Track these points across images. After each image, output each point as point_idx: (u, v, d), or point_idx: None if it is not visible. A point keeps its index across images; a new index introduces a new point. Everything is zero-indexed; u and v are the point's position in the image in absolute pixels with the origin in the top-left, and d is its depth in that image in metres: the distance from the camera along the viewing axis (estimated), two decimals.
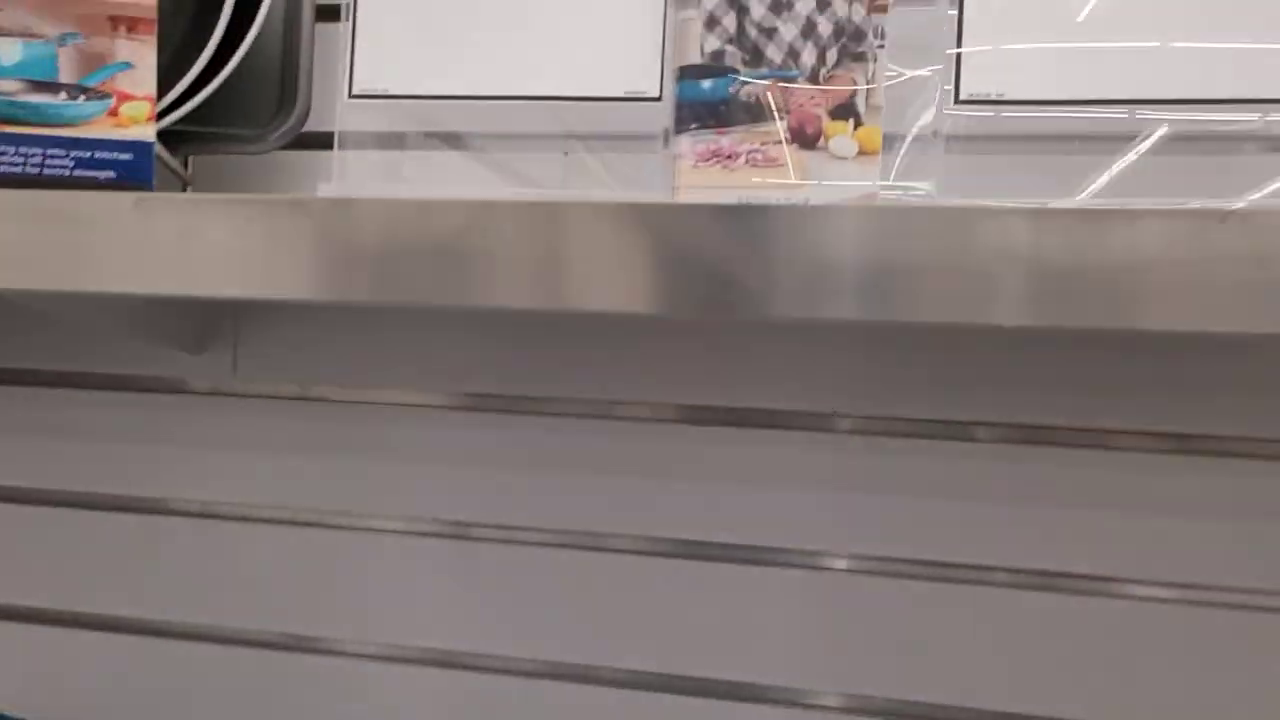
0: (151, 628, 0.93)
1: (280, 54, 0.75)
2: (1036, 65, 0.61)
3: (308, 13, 0.75)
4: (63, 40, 0.62)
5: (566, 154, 0.77)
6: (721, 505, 0.84)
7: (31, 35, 0.62)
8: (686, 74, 0.63)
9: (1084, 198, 0.61)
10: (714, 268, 0.52)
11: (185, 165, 0.79)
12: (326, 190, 0.64)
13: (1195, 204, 0.48)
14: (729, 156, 0.63)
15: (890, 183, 0.61)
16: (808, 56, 0.62)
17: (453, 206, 0.54)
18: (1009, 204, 0.49)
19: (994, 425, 0.79)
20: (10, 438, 0.95)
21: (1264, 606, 0.76)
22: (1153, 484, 0.77)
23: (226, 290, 0.57)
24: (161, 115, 0.70)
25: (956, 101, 0.62)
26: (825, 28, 0.62)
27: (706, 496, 0.84)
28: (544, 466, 0.86)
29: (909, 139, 0.63)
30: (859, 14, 0.61)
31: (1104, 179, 0.62)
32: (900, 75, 0.62)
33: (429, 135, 0.71)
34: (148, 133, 0.63)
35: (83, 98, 0.62)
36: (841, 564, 0.82)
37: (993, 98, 0.62)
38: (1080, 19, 0.60)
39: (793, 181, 0.62)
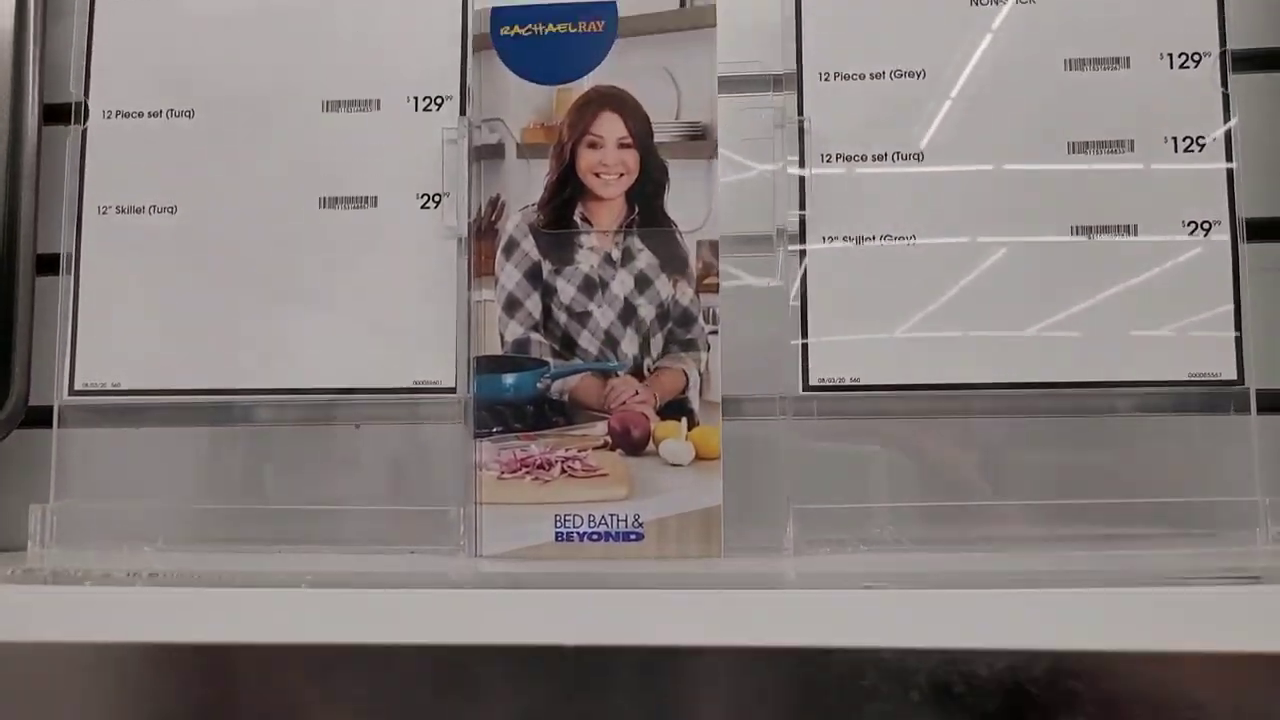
0: None
1: None
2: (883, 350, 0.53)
3: (25, 279, 0.61)
4: None
5: (358, 426, 0.64)
6: None
7: None
8: (484, 367, 0.52)
9: None
10: None
11: None
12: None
13: None
14: (541, 466, 0.52)
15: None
16: (629, 345, 0.52)
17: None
18: None
19: None
20: None
21: None
22: None
23: None
24: None
25: (806, 387, 0.53)
26: (647, 311, 0.52)
27: None
28: None
29: None
30: (686, 295, 0.52)
31: None
32: None
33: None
34: None
35: None
36: None
37: (846, 382, 0.53)
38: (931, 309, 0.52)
39: (620, 495, 0.51)
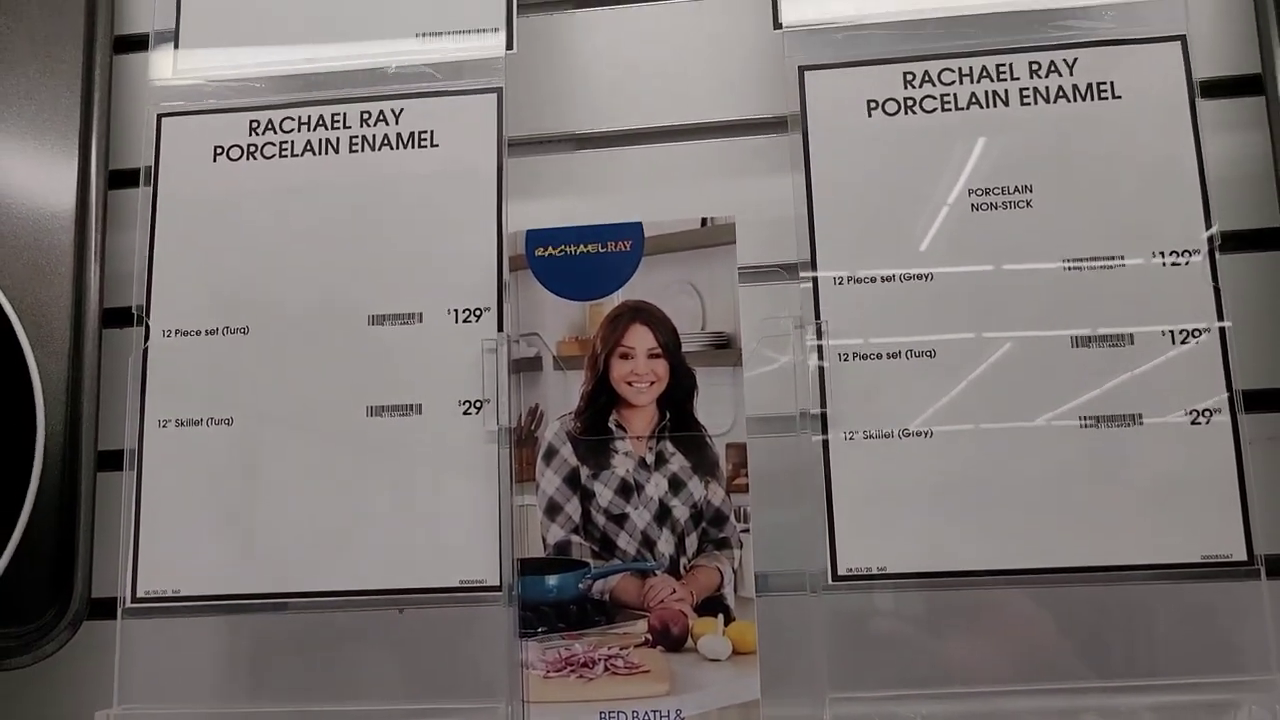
0: None
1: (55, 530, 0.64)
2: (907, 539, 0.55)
3: (87, 478, 0.65)
4: None
5: (401, 611, 0.67)
6: None
7: None
8: (528, 569, 0.55)
9: None
10: None
11: None
12: None
13: None
14: (585, 665, 0.54)
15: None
16: (665, 545, 0.55)
17: None
18: None
19: None
20: None
21: None
22: None
23: None
24: None
25: (835, 577, 0.55)
26: (682, 512, 0.55)
27: None
28: None
29: None
30: (717, 495, 0.55)
31: None
32: None
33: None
34: None
35: None
36: None
37: (873, 572, 0.55)
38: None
39: (661, 691, 0.53)
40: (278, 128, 0.63)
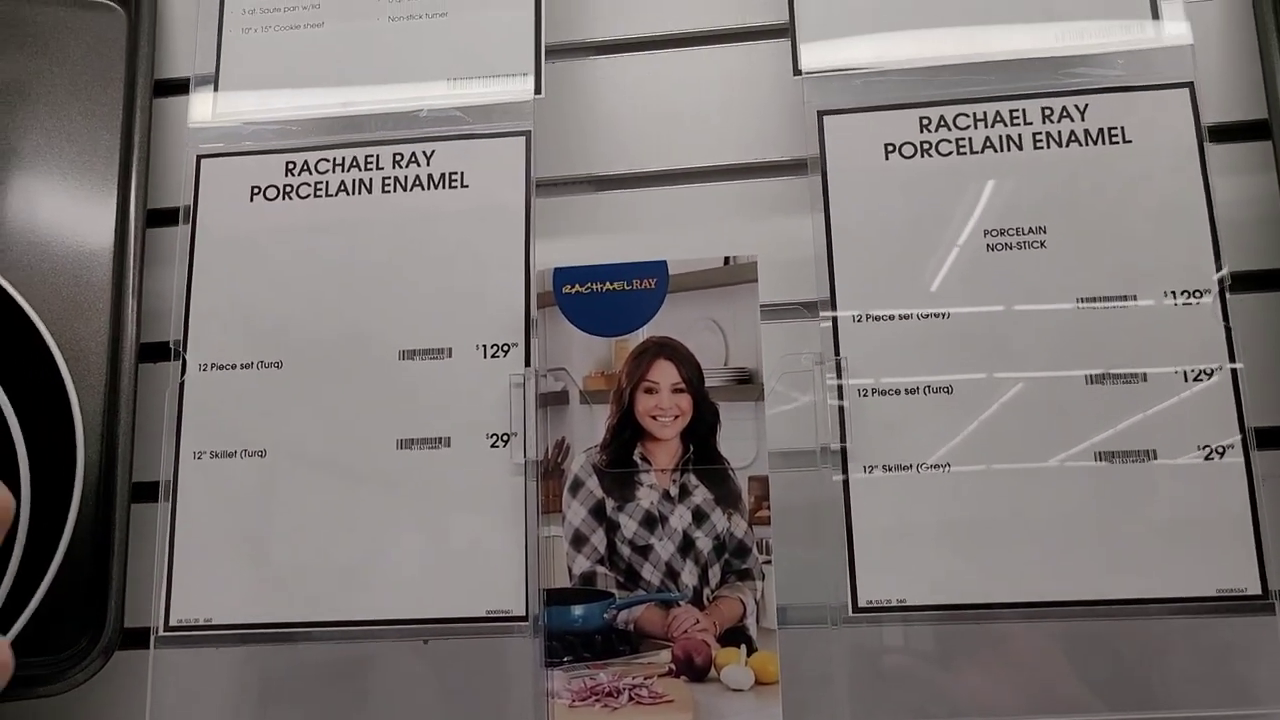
0: None
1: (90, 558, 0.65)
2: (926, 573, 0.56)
3: (121, 508, 0.66)
4: None
5: (426, 642, 0.68)
6: None
7: None
8: (554, 599, 0.56)
9: None
10: None
11: None
12: None
13: None
14: (610, 694, 0.55)
15: None
16: (689, 576, 0.56)
17: None
18: None
19: None
20: None
21: None
22: None
23: None
24: None
25: (855, 609, 0.56)
26: (705, 543, 0.56)
27: None
28: None
29: None
30: (740, 527, 0.56)
31: None
32: None
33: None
34: None
35: None
36: None
37: (893, 604, 0.56)
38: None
39: None
40: (313, 169, 0.65)
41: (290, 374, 0.62)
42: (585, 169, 0.69)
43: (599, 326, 0.59)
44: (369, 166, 0.64)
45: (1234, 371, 0.56)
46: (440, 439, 0.60)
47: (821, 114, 0.62)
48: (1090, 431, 0.57)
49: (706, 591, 0.56)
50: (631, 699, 0.55)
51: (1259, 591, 0.55)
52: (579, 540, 0.57)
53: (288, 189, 0.65)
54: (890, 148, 0.61)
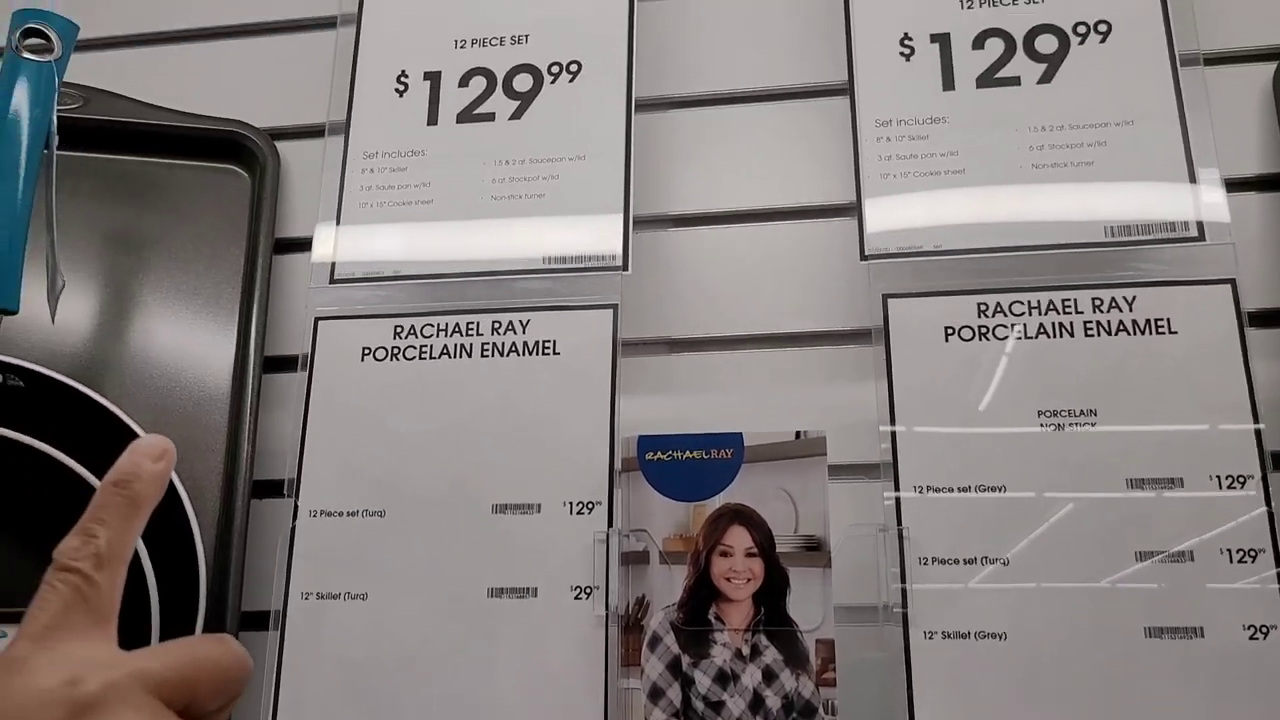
0: None
1: None
2: None
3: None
4: None
5: None
6: None
7: None
8: None
9: None
10: None
11: None
12: None
13: None
14: None
15: None
16: None
17: None
18: None
19: None
20: None
21: None
22: None
23: None
24: None
25: None
26: (774, 702, 0.60)
27: None
28: None
29: None
30: (807, 687, 0.60)
31: None
32: None
33: None
34: None
35: None
36: None
37: None
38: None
39: None
40: (419, 333, 0.71)
41: (392, 523, 0.68)
42: (662, 332, 0.75)
43: (679, 492, 0.64)
44: (470, 333, 0.71)
45: (1276, 553, 0.60)
46: (528, 589, 0.65)
47: (886, 297, 0.68)
48: (1139, 607, 0.60)
49: None
50: None
51: None
52: (656, 694, 0.61)
53: (395, 350, 0.71)
54: (950, 330, 0.66)
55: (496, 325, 0.71)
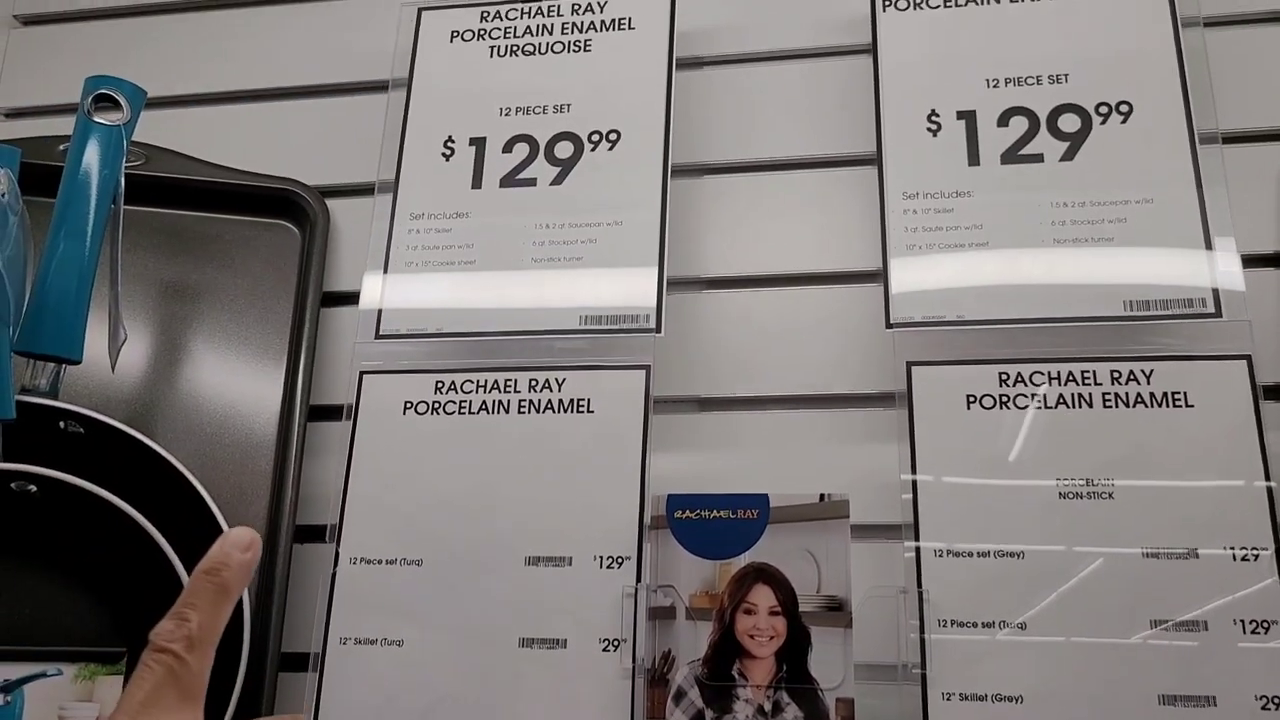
0: None
1: None
2: None
3: (271, 675, 0.74)
4: None
5: None
6: None
7: None
8: None
9: None
10: None
11: None
12: None
13: None
14: None
15: None
16: None
17: None
18: None
19: None
20: None
21: None
22: None
23: None
24: None
25: None
26: None
27: None
28: None
29: None
30: None
31: None
32: None
33: None
34: None
35: None
36: None
37: None
38: None
39: None
40: (459, 389, 0.74)
41: (429, 572, 0.71)
42: (692, 390, 0.77)
43: (706, 550, 0.66)
44: (508, 389, 0.74)
45: None
46: (558, 640, 0.68)
47: (910, 364, 0.70)
48: (1155, 675, 0.62)
49: None
50: None
51: None
52: None
53: (436, 405, 0.74)
54: (972, 398, 0.69)
55: (534, 383, 0.74)
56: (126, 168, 0.76)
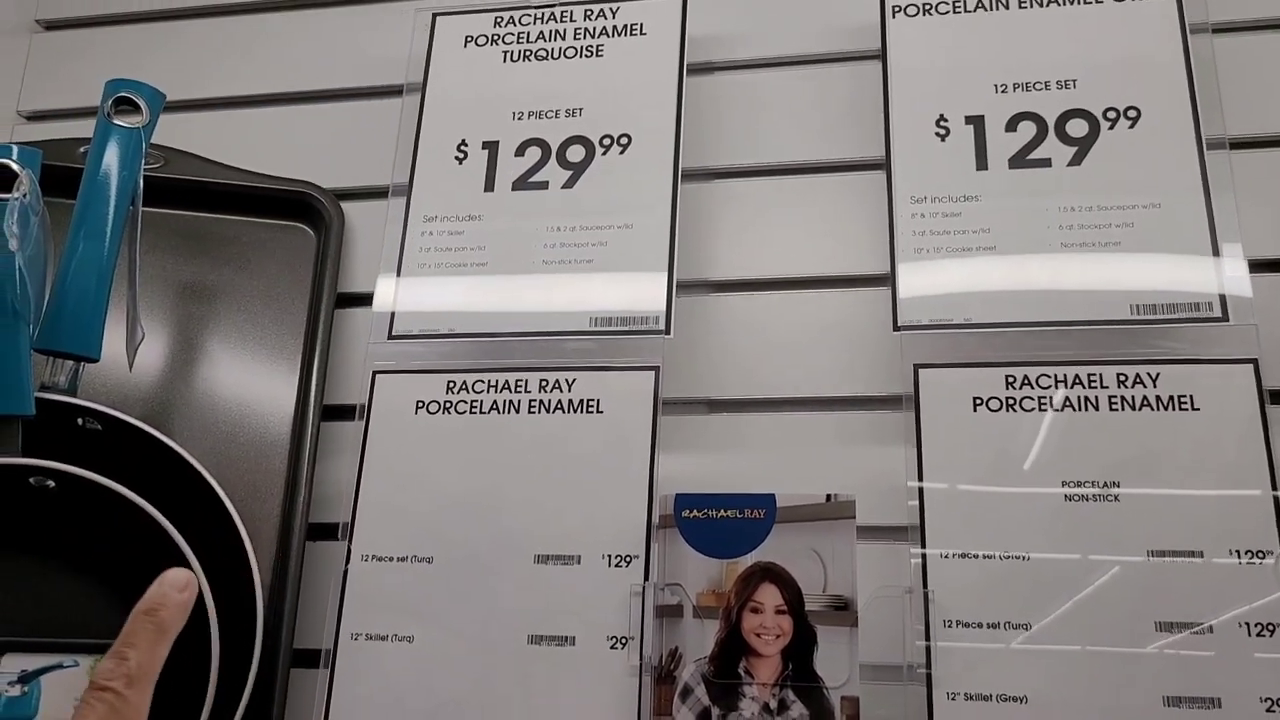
0: None
1: None
2: None
3: (282, 673, 0.75)
4: None
5: None
6: None
7: None
8: None
9: None
10: None
11: None
12: None
13: None
14: None
15: None
16: None
17: None
18: None
19: None
20: None
21: None
22: None
23: None
24: None
25: None
26: None
27: None
28: None
29: None
30: None
31: None
32: None
33: None
34: None
35: None
36: None
37: None
38: None
39: None
40: (470, 389, 0.75)
41: (439, 569, 0.71)
42: (701, 392, 0.78)
43: (713, 549, 0.67)
44: (519, 389, 0.75)
45: None
46: (567, 637, 0.68)
47: (917, 367, 0.70)
48: (1160, 677, 0.62)
49: None
50: None
51: None
52: None
53: (448, 404, 0.75)
54: (978, 400, 0.69)
55: (544, 383, 0.74)
56: (145, 170, 0.77)
